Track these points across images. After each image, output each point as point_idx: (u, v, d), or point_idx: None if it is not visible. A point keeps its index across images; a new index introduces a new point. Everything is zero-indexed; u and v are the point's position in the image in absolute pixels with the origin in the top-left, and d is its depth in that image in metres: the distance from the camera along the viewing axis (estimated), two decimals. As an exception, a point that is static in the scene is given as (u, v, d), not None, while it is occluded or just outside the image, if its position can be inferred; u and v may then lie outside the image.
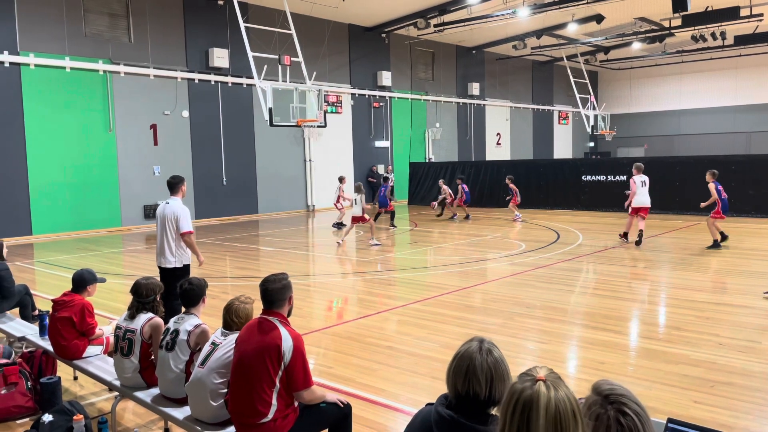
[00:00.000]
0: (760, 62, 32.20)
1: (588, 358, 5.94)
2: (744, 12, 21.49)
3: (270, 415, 3.36)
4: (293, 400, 3.49)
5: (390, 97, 25.94)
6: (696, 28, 23.74)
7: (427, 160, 27.35)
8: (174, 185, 6.71)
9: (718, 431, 2.03)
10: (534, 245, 12.96)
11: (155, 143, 18.61)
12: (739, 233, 13.78)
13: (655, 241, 13.28)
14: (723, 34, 24.76)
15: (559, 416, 1.67)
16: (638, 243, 12.55)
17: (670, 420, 2.10)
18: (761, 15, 22.02)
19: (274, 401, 3.37)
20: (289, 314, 3.63)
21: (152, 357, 4.38)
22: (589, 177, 20.24)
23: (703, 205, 12.25)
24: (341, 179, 17.42)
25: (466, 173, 23.36)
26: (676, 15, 20.86)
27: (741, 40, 26.23)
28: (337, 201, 17.30)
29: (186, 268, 6.67)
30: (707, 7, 21.40)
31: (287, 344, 3.37)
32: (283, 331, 3.42)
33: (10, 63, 15.72)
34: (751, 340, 6.27)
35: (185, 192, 6.83)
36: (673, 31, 24.65)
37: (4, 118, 15.69)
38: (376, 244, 13.57)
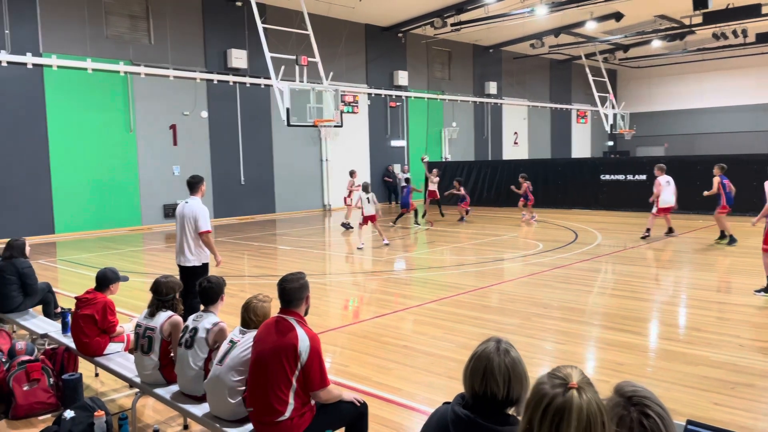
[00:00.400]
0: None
1: (606, 359, 5.89)
2: (765, 9, 21.14)
3: (287, 414, 3.39)
4: (310, 399, 3.51)
5: (406, 97, 25.92)
6: (717, 25, 23.40)
7: (444, 160, 27.29)
8: (193, 185, 6.78)
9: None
10: (552, 245, 12.88)
11: (175, 143, 18.81)
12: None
13: (674, 240, 13.13)
14: (744, 32, 24.38)
15: (590, 426, 1.65)
16: (670, 232, 13.46)
17: (689, 422, 2.08)
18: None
19: (291, 400, 3.40)
20: (306, 313, 3.65)
21: (172, 354, 4.44)
22: (608, 176, 20.06)
23: (706, 194, 12.60)
24: (352, 173, 17.42)
25: (482, 173, 23.30)
26: (697, 12, 20.57)
27: (763, 38, 25.79)
28: (349, 195, 17.27)
29: (205, 267, 6.73)
30: (728, 5, 21.08)
31: (304, 344, 3.40)
32: (300, 331, 3.44)
33: (33, 64, 15.99)
34: (773, 342, 6.17)
35: (204, 192, 6.90)
36: (693, 28, 24.32)
37: (28, 118, 15.96)
38: (387, 243, 13.52)
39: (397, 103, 25.48)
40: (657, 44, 28.54)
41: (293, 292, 3.56)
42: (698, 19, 22.82)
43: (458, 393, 2.37)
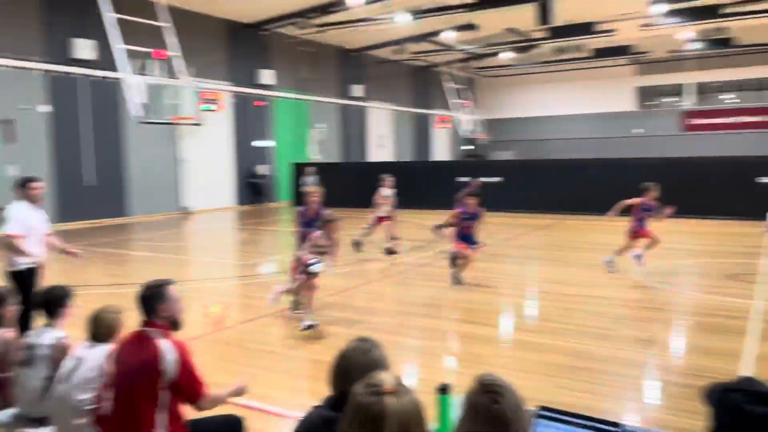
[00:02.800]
0: (613, 74, 35.42)
1: (467, 351, 6.20)
2: (597, 27, 23.72)
3: None
4: (180, 418, 3.26)
5: (272, 96, 25.47)
6: (562, 39, 25.77)
7: (310, 160, 27.19)
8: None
9: (583, 414, 2.18)
10: (414, 244, 13.31)
11: (11, 140, 16.90)
12: (590, 230, 15.03)
13: (522, 239, 14.12)
14: (582, 48, 27.05)
15: (405, 426, 1.78)
16: None
17: (541, 407, 2.23)
18: (613, 30, 24.30)
19: (162, 423, 3.11)
20: (175, 326, 3.36)
21: (8, 374, 3.97)
22: (464, 178, 21.15)
23: None
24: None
25: (348, 174, 23.53)
26: (543, 27, 22.41)
27: (601, 53, 29.08)
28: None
29: (21, 273, 6.07)
30: (566, 22, 23.20)
31: (169, 357, 3.12)
32: (162, 344, 3.16)
33: None
34: (607, 327, 6.85)
35: (36, 194, 6.30)
36: (539, 42, 26.43)
37: None
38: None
39: (266, 102, 24.94)
40: (507, 55, 30.56)
41: (142, 301, 3.29)
42: (541, 34, 24.84)
43: (327, 395, 2.36)
